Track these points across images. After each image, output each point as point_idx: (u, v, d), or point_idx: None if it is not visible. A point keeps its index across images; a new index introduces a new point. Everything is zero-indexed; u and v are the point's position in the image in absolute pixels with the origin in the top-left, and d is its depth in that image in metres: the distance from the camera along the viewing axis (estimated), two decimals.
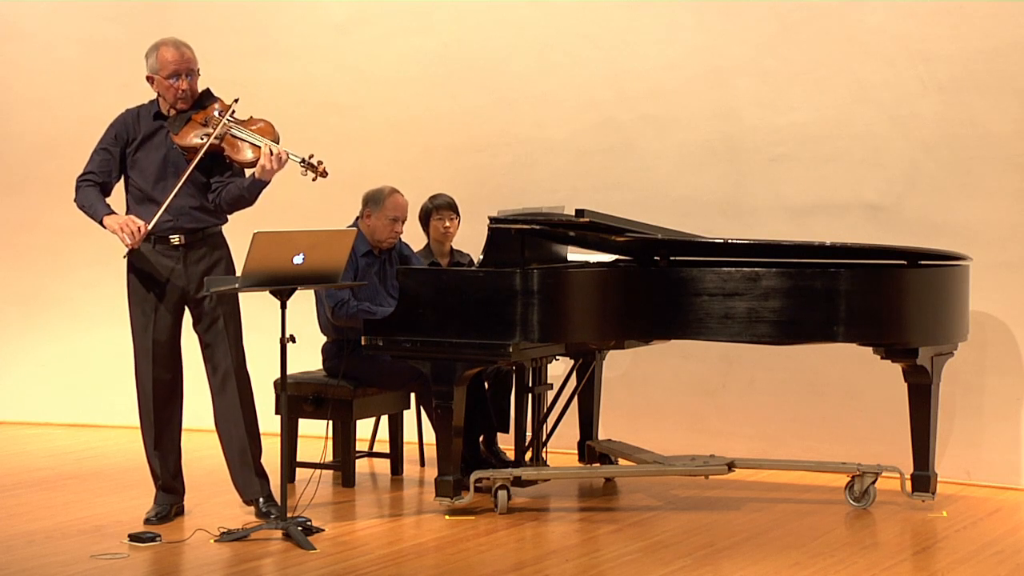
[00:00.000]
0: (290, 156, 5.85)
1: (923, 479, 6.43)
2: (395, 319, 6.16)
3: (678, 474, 6.59)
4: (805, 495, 6.70)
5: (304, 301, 6.31)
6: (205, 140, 5.86)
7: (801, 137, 7.32)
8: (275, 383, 6.69)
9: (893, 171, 7.15)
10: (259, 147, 5.84)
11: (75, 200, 5.99)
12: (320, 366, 7.01)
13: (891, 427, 6.85)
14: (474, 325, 6.05)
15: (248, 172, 5.96)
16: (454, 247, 7.18)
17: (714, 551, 5.67)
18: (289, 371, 5.88)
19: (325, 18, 8.24)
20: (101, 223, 5.88)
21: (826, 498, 6.62)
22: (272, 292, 5.71)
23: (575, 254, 6.88)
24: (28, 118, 8.71)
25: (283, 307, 5.74)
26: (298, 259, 5.61)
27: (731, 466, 6.57)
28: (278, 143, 5.88)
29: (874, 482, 6.43)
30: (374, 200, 6.79)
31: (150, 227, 5.81)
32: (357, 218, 6.86)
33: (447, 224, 7.07)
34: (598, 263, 6.70)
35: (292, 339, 5.71)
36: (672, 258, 6.50)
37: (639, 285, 6.25)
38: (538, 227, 6.35)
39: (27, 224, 8.74)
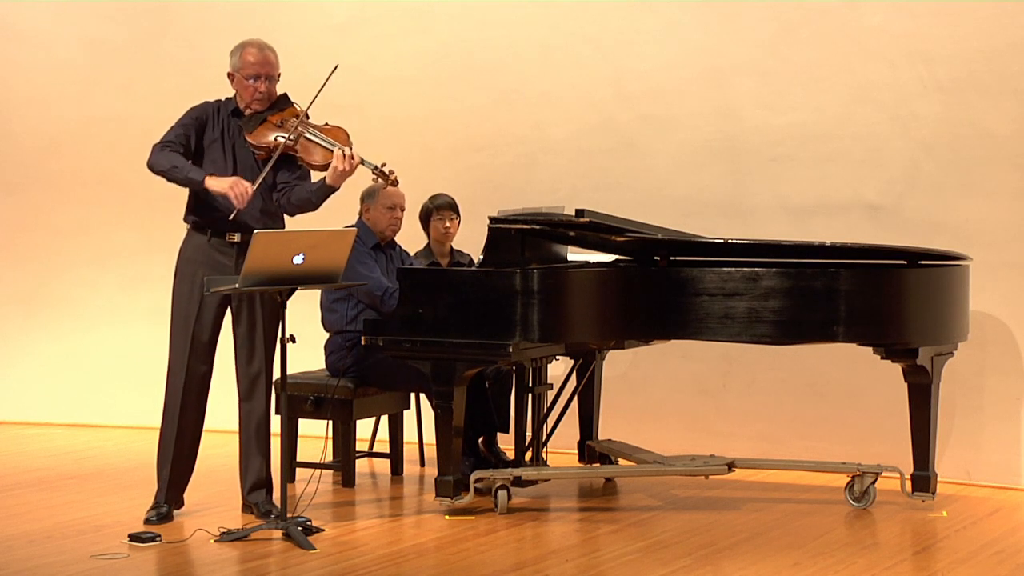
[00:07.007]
0: (363, 162, 5.89)
1: (923, 479, 6.43)
2: (395, 319, 6.16)
3: (678, 474, 6.59)
4: (805, 495, 6.70)
5: (304, 301, 6.31)
6: (279, 140, 5.89)
7: (801, 137, 7.32)
8: (275, 383, 6.68)
9: (893, 171, 7.15)
10: (331, 151, 5.88)
11: (153, 162, 5.84)
12: (319, 365, 7.01)
13: (891, 427, 6.85)
14: (474, 325, 6.05)
15: (316, 175, 5.99)
16: (454, 247, 7.19)
17: (714, 551, 5.67)
18: (289, 371, 5.88)
19: (325, 18, 8.24)
20: (202, 184, 5.80)
21: (826, 498, 6.62)
22: (272, 291, 5.72)
23: (575, 254, 6.88)
24: (28, 118, 8.71)
25: (283, 307, 5.73)
26: (298, 259, 5.61)
27: (731, 466, 6.57)
28: (351, 150, 5.90)
29: (874, 482, 6.43)
30: (369, 194, 6.88)
31: (253, 188, 5.79)
32: (359, 217, 6.90)
33: (447, 224, 7.08)
34: (598, 263, 6.70)
35: (292, 339, 5.71)
36: (672, 258, 6.50)
37: (639, 285, 6.25)
38: (538, 227, 6.35)
39: (27, 224, 8.74)
